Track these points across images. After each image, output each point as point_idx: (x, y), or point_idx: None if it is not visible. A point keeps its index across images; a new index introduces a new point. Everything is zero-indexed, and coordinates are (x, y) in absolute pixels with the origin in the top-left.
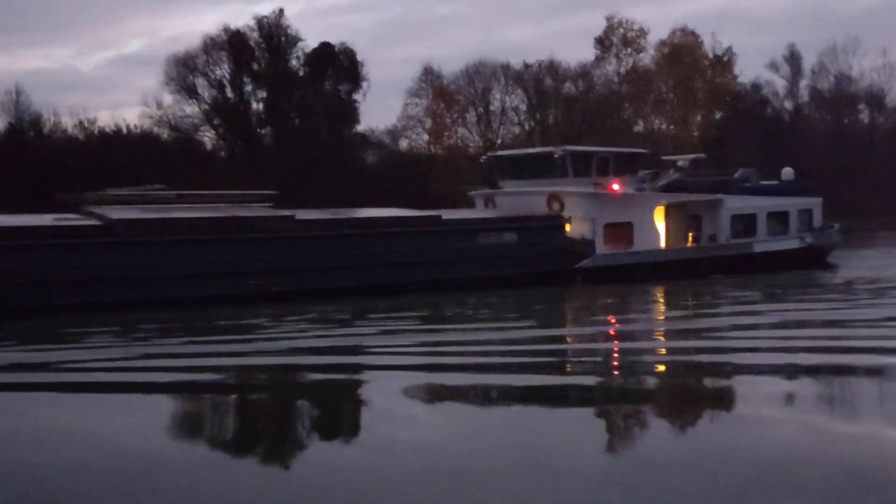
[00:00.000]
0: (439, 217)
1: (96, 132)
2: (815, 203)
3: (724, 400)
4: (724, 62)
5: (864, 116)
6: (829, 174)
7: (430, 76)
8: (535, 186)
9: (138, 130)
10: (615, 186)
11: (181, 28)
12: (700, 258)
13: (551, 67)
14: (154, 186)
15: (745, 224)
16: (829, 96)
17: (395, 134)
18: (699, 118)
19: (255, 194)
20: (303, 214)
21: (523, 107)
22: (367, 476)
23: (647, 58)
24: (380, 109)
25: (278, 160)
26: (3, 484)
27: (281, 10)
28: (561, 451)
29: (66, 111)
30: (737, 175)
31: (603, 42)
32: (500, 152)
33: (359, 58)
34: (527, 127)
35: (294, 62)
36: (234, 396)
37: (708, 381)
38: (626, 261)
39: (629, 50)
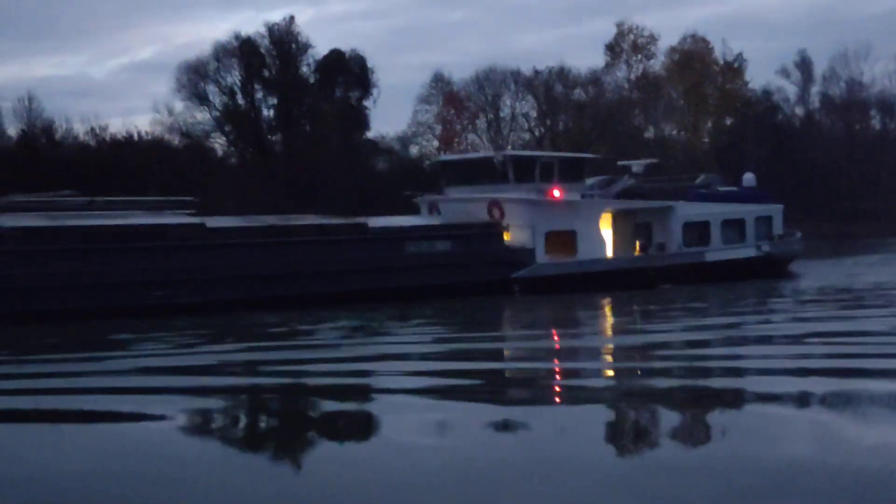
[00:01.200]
0: (365, 224)
1: (108, 139)
2: (774, 210)
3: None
4: (734, 68)
5: (876, 122)
6: (841, 180)
7: (440, 83)
8: (477, 193)
9: (149, 137)
10: (556, 193)
11: (194, 35)
12: (647, 268)
13: (561, 74)
14: (63, 192)
15: (698, 232)
16: (840, 102)
17: (405, 140)
18: (710, 124)
19: (174, 201)
20: (214, 222)
21: (533, 113)
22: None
23: (657, 64)
24: (390, 116)
25: (289, 167)
26: None
27: (292, 18)
28: (572, 456)
29: (78, 118)
30: (699, 180)
31: (613, 48)
32: (443, 157)
33: (369, 64)
34: (537, 133)
35: (304, 69)
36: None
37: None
38: (567, 270)
39: (639, 56)
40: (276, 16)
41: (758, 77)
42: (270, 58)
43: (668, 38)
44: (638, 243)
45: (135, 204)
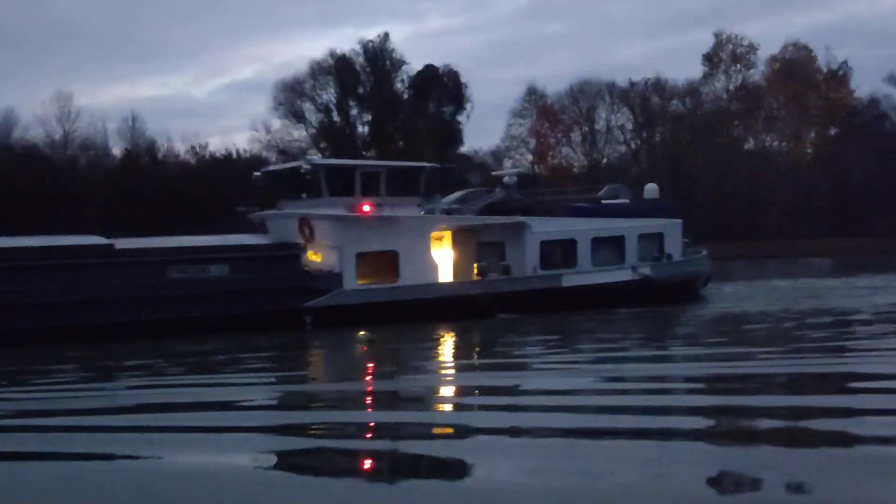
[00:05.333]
0: (111, 246)
1: (207, 157)
2: (667, 226)
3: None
4: (839, 76)
5: None
6: None
7: (534, 96)
8: (293, 208)
9: (247, 155)
10: (365, 208)
11: (293, 54)
12: (481, 294)
13: (658, 85)
14: None
15: (561, 252)
16: None
17: (498, 155)
18: (813, 135)
19: None
20: None
21: (629, 125)
22: None
23: (757, 73)
24: (483, 130)
25: None
26: None
27: (386, 34)
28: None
29: (179, 137)
30: (602, 192)
31: (711, 58)
32: (269, 167)
33: (463, 79)
34: (633, 146)
35: (399, 85)
36: None
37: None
38: (380, 298)
39: (738, 66)
40: (373, 33)
41: (864, 85)
42: (365, 75)
43: (769, 47)
44: (476, 266)
45: None
